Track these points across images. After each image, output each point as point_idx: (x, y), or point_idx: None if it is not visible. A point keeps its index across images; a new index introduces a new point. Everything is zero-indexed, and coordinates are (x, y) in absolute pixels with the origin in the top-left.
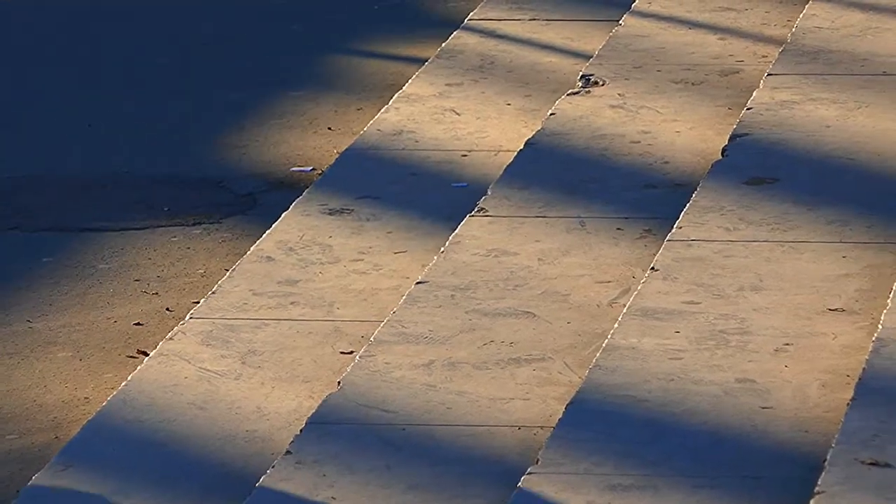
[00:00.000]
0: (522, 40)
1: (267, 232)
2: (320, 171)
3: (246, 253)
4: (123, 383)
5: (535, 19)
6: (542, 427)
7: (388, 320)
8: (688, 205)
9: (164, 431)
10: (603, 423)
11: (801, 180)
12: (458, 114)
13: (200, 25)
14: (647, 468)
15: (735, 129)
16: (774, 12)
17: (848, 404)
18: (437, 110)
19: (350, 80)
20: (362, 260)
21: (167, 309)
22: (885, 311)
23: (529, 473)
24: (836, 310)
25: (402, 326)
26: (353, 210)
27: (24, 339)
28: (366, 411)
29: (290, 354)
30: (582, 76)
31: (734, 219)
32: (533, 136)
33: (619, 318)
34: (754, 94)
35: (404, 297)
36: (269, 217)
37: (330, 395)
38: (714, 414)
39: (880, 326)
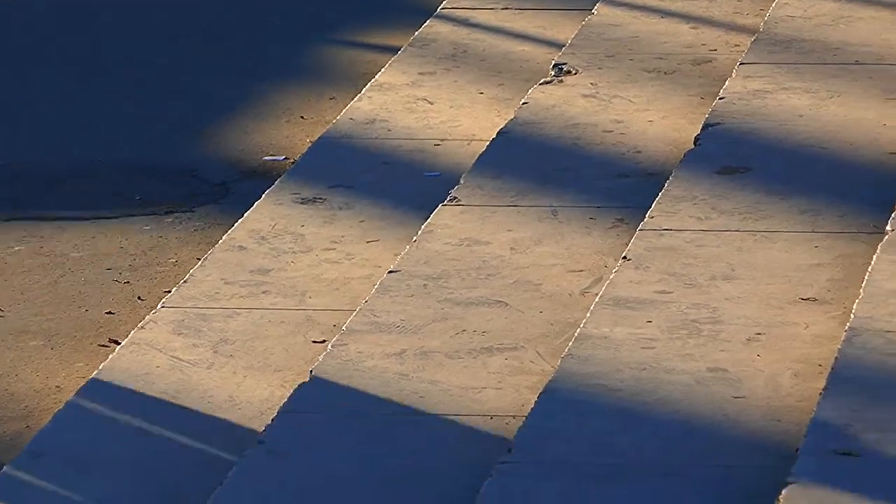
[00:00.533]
0: (495, 29)
1: (239, 221)
2: (293, 161)
3: (218, 242)
4: (95, 372)
5: (507, 8)
6: (514, 416)
7: (360, 309)
8: (660, 194)
9: (136, 420)
10: (575, 413)
11: (773, 170)
12: (430, 103)
13: (175, 18)
14: (619, 457)
15: (707, 118)
16: (747, 1)
17: (820, 394)
18: (410, 99)
19: (323, 70)
20: (334, 249)
21: (139, 298)
22: (857, 301)
23: (502, 463)
24: (808, 299)
25: (375, 316)
26: (325, 199)
27: None
28: (336, 401)
29: (262, 343)
30: (554, 65)
31: (706, 208)
32: (505, 126)
33: (592, 308)
34: (727, 83)
35: (376, 287)
36: (241, 206)
37: (302, 384)
38: (686, 403)
39: (852, 316)
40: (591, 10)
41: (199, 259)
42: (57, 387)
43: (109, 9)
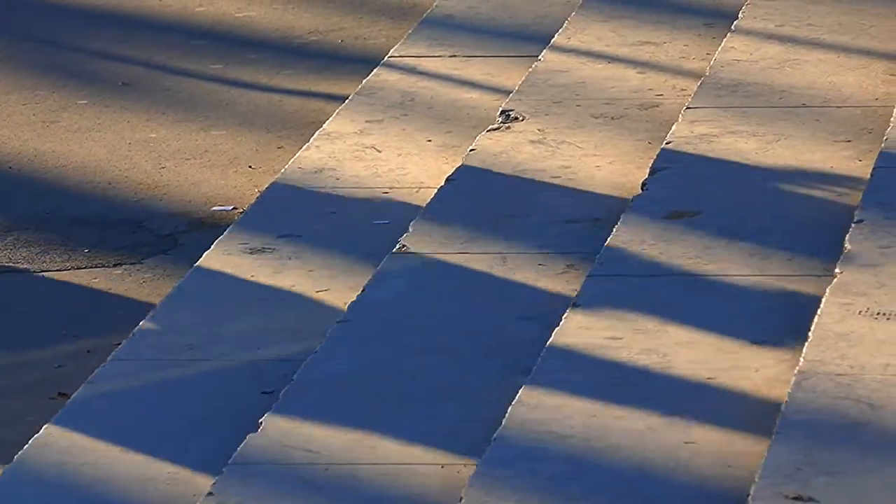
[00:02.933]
0: (443, 77)
1: (188, 272)
2: (241, 211)
3: (167, 293)
4: (45, 426)
5: (455, 56)
6: (465, 465)
7: (312, 360)
8: (608, 239)
9: (86, 475)
10: (526, 460)
11: (721, 213)
12: (379, 151)
13: (118, 67)
14: None
15: (655, 162)
16: (693, 46)
17: (771, 438)
18: (358, 148)
19: (270, 118)
20: (284, 299)
21: (88, 351)
22: (806, 344)
23: None
24: (758, 343)
25: (325, 365)
26: (274, 249)
27: None
28: (288, 451)
29: (213, 394)
30: (502, 112)
31: (655, 253)
32: (453, 173)
33: (542, 355)
34: (674, 127)
35: (326, 336)
36: (190, 257)
37: (252, 435)
38: (638, 449)
39: (802, 359)
40: (537, 56)
41: (149, 311)
42: (6, 441)
43: (54, 59)
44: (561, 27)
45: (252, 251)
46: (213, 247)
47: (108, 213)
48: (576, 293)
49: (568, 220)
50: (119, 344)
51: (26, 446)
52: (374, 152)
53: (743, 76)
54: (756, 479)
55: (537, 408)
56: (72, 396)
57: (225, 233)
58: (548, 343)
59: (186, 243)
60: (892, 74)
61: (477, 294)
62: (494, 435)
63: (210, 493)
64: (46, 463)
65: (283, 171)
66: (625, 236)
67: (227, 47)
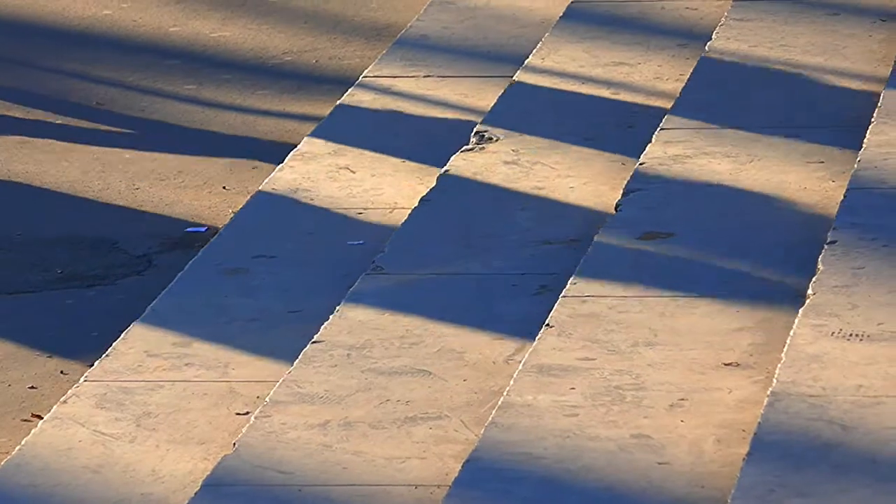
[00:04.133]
0: (417, 97)
1: (162, 293)
2: (216, 231)
3: (141, 314)
4: (17, 448)
5: (429, 76)
6: (438, 486)
7: (284, 380)
8: (582, 260)
9: (59, 496)
10: (499, 481)
11: (694, 234)
12: (353, 171)
13: (92, 87)
14: None
15: (628, 183)
16: (667, 66)
17: (744, 459)
18: (333, 168)
19: (245, 139)
20: (258, 320)
21: (62, 372)
22: (779, 365)
23: None
24: (730, 364)
25: (298, 386)
26: (248, 269)
27: None
28: (261, 472)
29: (185, 416)
30: (476, 132)
31: (628, 274)
32: (427, 193)
33: (515, 375)
34: (647, 148)
35: (300, 357)
36: (164, 278)
37: (225, 456)
38: (610, 470)
39: (775, 380)
40: (511, 77)
41: (122, 332)
42: None
43: (28, 79)
44: (535, 48)
45: (226, 272)
46: (186, 268)
47: (82, 233)
48: (550, 314)
49: (542, 241)
50: (92, 365)
51: None
52: (348, 172)
53: (717, 96)
54: (729, 501)
55: (510, 429)
56: (45, 417)
57: (199, 254)
58: (521, 364)
59: (160, 264)
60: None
61: (450, 315)
62: (468, 456)
63: None
64: (19, 484)
65: (257, 191)
66: (598, 257)
67: (200, 67)
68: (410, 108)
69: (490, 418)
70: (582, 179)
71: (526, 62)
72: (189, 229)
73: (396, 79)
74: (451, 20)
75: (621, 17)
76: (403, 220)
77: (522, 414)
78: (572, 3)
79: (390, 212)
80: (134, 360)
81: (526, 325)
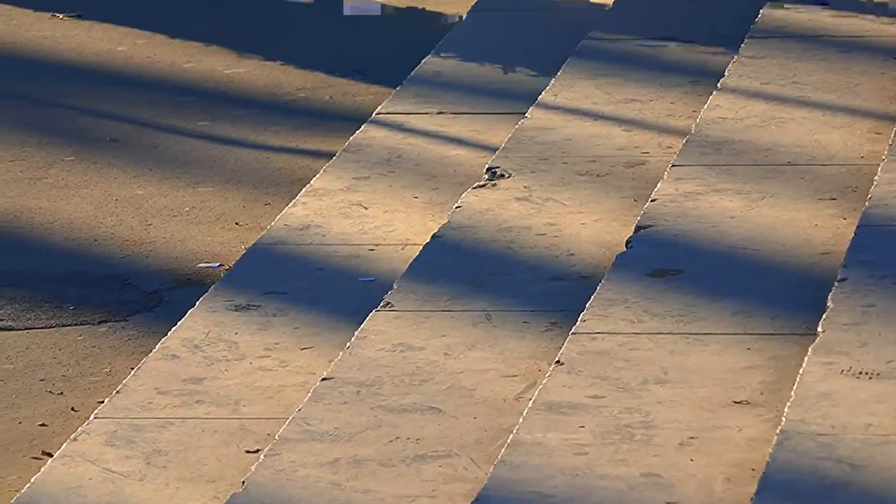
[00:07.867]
0: (430, 134)
1: (172, 329)
2: (227, 267)
3: (152, 351)
4: (27, 485)
5: (442, 112)
6: None
7: (294, 418)
8: (592, 297)
9: None
10: None
11: (705, 272)
12: (365, 208)
13: (106, 123)
14: None
15: (639, 220)
16: (679, 103)
17: (752, 498)
18: (345, 204)
19: (258, 175)
20: (268, 357)
21: (73, 409)
22: (788, 404)
23: None
24: (740, 402)
25: (308, 424)
26: (259, 306)
27: None
28: None
29: (196, 454)
30: (488, 169)
31: (638, 311)
32: (439, 230)
33: (525, 413)
34: (659, 185)
35: (309, 394)
36: (175, 314)
37: (234, 494)
38: None
39: (784, 419)
40: (524, 113)
41: (133, 368)
42: None
43: (42, 114)
44: (547, 84)
45: (237, 308)
46: (197, 304)
47: (94, 269)
48: (559, 351)
49: (553, 278)
50: (103, 402)
51: None
52: (360, 209)
53: (728, 134)
54: None
55: (520, 467)
56: (55, 455)
57: (210, 290)
58: (531, 401)
59: (172, 300)
60: (877, 133)
61: (461, 352)
62: (476, 495)
63: None
64: None
65: (269, 227)
66: (609, 294)
67: (214, 104)
68: (423, 144)
69: (499, 456)
70: (593, 216)
71: (538, 99)
72: (201, 265)
73: (409, 115)
74: (465, 57)
75: (634, 54)
76: (414, 257)
77: (532, 452)
78: (585, 40)
79: (402, 248)
80: (144, 397)
81: (536, 363)
